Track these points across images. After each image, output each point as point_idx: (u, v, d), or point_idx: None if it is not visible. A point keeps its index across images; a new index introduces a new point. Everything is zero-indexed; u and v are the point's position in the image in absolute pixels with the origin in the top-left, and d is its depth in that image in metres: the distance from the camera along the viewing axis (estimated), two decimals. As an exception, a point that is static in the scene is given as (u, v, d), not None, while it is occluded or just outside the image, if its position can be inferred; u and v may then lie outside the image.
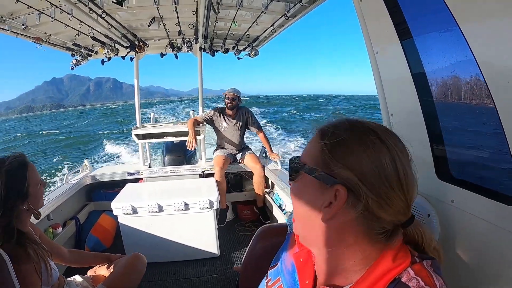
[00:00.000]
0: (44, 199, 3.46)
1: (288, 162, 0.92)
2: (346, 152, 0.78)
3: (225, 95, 4.86)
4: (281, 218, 4.15)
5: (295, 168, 0.88)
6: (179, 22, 3.64)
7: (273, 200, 4.61)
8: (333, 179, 0.78)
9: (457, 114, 1.49)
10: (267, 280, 1.13)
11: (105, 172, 4.90)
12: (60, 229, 3.71)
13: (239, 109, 4.98)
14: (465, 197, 1.33)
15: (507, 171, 1.12)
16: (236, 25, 3.92)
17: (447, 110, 1.50)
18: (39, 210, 2.00)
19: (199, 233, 3.75)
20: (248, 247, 1.62)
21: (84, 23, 3.36)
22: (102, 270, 2.47)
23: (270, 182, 4.86)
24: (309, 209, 0.85)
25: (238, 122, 4.94)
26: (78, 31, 3.64)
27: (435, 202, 1.48)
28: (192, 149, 4.72)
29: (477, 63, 1.11)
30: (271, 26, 3.92)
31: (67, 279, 2.21)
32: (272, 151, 5.00)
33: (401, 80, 1.61)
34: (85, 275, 2.40)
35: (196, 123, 4.74)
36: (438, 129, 1.50)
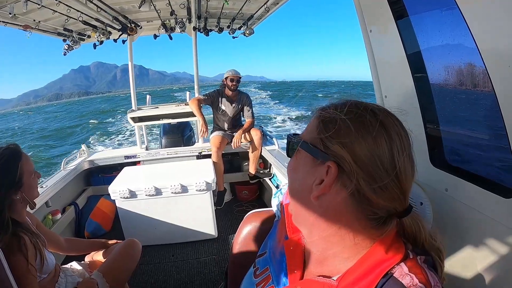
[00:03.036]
0: (42, 186, 3.48)
1: (287, 137, 0.92)
2: (342, 130, 0.76)
3: (229, 78, 4.72)
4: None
5: (291, 143, 0.89)
6: (169, 2, 3.57)
7: (271, 182, 4.60)
8: (325, 155, 0.77)
9: (454, 98, 1.44)
10: (255, 268, 1.11)
11: (103, 156, 4.88)
12: (59, 215, 3.71)
13: (240, 93, 4.92)
14: (460, 186, 1.30)
15: (506, 162, 1.08)
16: (228, 3, 3.85)
17: (443, 94, 1.45)
18: (34, 201, 1.99)
19: (197, 215, 3.76)
20: (236, 233, 1.61)
21: (73, 8, 3.28)
22: (99, 256, 2.47)
23: (268, 164, 4.83)
24: (301, 185, 0.84)
25: (237, 106, 4.88)
26: (67, 16, 3.56)
27: (429, 190, 1.44)
28: (206, 137, 4.69)
29: (477, 46, 1.06)
30: (264, 4, 3.85)
31: (64, 266, 2.21)
32: (242, 132, 4.74)
33: (395, 60, 1.56)
34: (82, 262, 2.40)
35: (200, 103, 4.68)
36: (434, 113, 1.46)
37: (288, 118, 25.83)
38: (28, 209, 1.99)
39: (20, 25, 3.38)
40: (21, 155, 1.91)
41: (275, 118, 26.23)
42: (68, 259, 2.50)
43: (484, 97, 1.19)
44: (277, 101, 43.47)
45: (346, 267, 0.80)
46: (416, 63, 1.47)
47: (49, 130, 35.53)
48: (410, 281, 0.70)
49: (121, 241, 2.48)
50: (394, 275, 0.73)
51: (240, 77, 4.75)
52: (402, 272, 0.72)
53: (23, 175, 1.88)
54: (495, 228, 1.14)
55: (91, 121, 35.83)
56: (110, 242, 2.51)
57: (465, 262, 1.30)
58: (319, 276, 0.85)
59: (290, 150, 0.90)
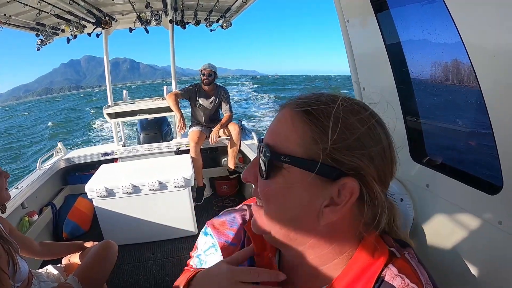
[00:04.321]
0: (18, 187, 3.38)
1: (263, 154, 0.70)
2: (350, 135, 0.63)
3: (201, 71, 4.71)
4: None
5: (277, 162, 0.67)
6: (144, -6, 3.50)
7: None
8: (340, 171, 0.63)
9: (435, 91, 1.42)
10: None
11: (79, 154, 4.79)
12: (36, 217, 3.60)
13: (217, 87, 4.88)
14: (442, 182, 1.27)
15: (490, 157, 1.05)
16: (204, -6, 3.80)
17: (424, 87, 1.43)
18: (4, 204, 1.90)
19: (176, 212, 3.73)
20: None
21: (44, 1, 3.18)
22: (76, 258, 2.41)
23: (248, 158, 4.81)
24: (300, 210, 0.69)
25: (214, 100, 4.84)
26: (39, 9, 3.44)
27: (409, 185, 1.42)
28: (184, 132, 4.68)
29: (461, 38, 1.02)
30: (241, -5, 3.79)
31: (38, 271, 2.14)
32: (220, 127, 4.71)
33: (374, 53, 1.53)
34: (59, 265, 2.33)
35: (177, 98, 4.65)
36: (414, 107, 1.44)
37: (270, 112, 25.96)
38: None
39: (-10, 20, 3.25)
40: None
41: (257, 112, 26.32)
42: (44, 263, 2.43)
43: (467, 91, 1.17)
44: (261, 94, 44.29)
45: (334, 276, 0.73)
46: (396, 55, 1.44)
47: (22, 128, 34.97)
48: (401, 282, 0.66)
49: (98, 242, 2.41)
50: (385, 279, 0.68)
51: (214, 71, 4.71)
52: (392, 274, 0.68)
53: None
54: (478, 225, 1.13)
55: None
56: (87, 244, 2.44)
57: (446, 258, 1.28)
58: None
59: (272, 170, 0.69)
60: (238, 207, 1.04)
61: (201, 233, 1.06)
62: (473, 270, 1.17)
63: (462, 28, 1.01)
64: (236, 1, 4.07)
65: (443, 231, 1.28)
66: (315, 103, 0.67)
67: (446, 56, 1.26)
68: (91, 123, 28.55)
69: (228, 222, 0.99)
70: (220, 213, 1.05)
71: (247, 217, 0.96)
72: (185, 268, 1.17)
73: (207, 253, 1.02)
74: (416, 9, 1.34)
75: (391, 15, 1.42)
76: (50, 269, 2.21)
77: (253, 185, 0.76)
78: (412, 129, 1.45)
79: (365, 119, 0.65)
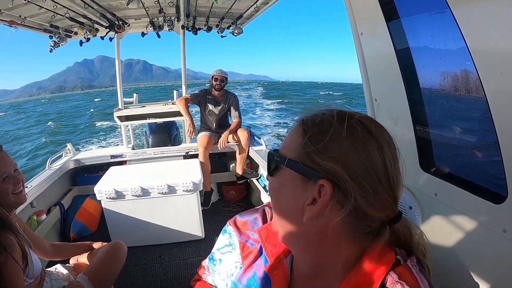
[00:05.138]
0: (27, 186, 3.40)
1: (267, 155, 0.84)
2: (331, 144, 0.70)
3: (213, 77, 4.74)
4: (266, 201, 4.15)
5: (274, 162, 0.80)
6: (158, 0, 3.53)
7: (259, 182, 4.60)
8: (317, 173, 0.70)
9: (444, 103, 1.43)
10: None
11: (89, 155, 4.82)
12: (44, 216, 3.64)
13: (226, 93, 4.90)
14: (450, 191, 1.29)
15: (496, 167, 1.07)
16: (217, 2, 3.82)
17: (434, 98, 1.45)
18: (15, 206, 1.89)
19: (183, 216, 3.74)
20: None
21: (59, 4, 3.23)
22: (84, 258, 2.43)
23: (256, 164, 4.82)
24: (290, 206, 0.77)
25: (224, 106, 4.86)
26: (54, 12, 3.49)
27: (418, 194, 1.44)
28: (193, 137, 4.70)
29: (469, 50, 1.04)
30: (254, 3, 3.83)
31: (48, 269, 2.17)
32: (229, 132, 4.73)
33: (386, 64, 1.54)
34: (67, 264, 2.36)
35: (187, 103, 4.69)
36: (424, 117, 1.45)
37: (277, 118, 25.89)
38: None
39: (5, 21, 3.31)
40: None
41: (263, 116, 26.32)
42: (52, 262, 2.46)
43: (474, 101, 1.19)
44: (266, 100, 44.59)
45: (339, 281, 0.76)
46: (406, 66, 1.45)
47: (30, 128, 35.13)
48: None
49: (106, 243, 2.43)
50: (386, 285, 0.71)
51: (226, 77, 4.74)
52: (393, 281, 0.71)
53: None
54: (483, 232, 1.14)
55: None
56: (95, 245, 2.47)
57: (454, 267, 1.29)
58: None
59: (273, 169, 0.81)
60: (260, 206, 1.11)
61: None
62: (477, 276, 1.18)
63: (469, 41, 1.03)
64: (248, 9, 4.10)
65: (450, 238, 1.30)
66: (312, 118, 0.77)
67: (455, 67, 1.27)
68: (93, 123, 28.75)
69: (250, 223, 1.06)
70: (243, 212, 1.11)
71: (269, 218, 1.03)
72: (197, 282, 1.22)
73: (221, 251, 1.09)
74: (426, 19, 1.35)
75: (402, 24, 1.44)
76: (59, 268, 2.23)
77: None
78: (421, 138, 1.46)
79: (352, 133, 0.71)
